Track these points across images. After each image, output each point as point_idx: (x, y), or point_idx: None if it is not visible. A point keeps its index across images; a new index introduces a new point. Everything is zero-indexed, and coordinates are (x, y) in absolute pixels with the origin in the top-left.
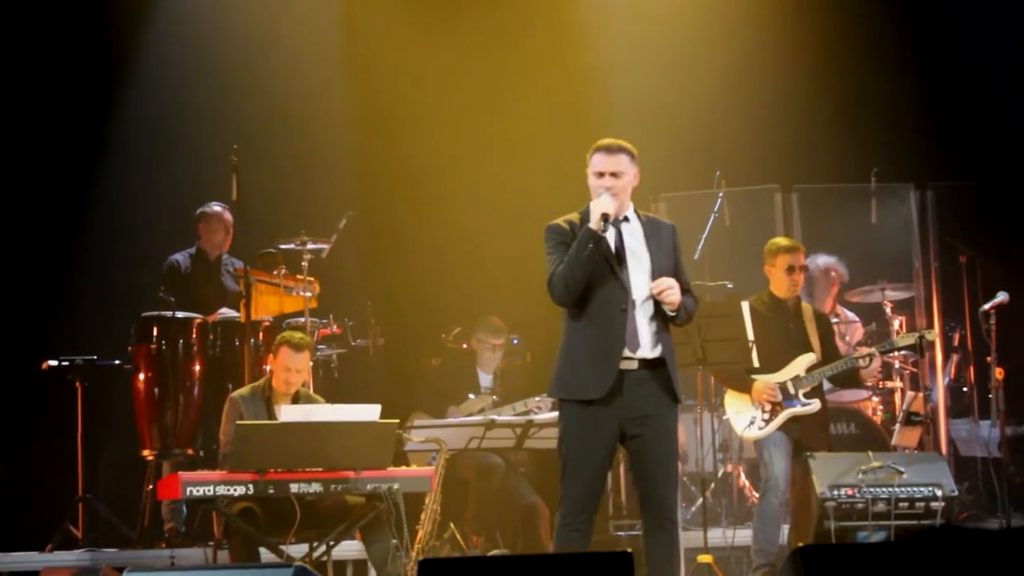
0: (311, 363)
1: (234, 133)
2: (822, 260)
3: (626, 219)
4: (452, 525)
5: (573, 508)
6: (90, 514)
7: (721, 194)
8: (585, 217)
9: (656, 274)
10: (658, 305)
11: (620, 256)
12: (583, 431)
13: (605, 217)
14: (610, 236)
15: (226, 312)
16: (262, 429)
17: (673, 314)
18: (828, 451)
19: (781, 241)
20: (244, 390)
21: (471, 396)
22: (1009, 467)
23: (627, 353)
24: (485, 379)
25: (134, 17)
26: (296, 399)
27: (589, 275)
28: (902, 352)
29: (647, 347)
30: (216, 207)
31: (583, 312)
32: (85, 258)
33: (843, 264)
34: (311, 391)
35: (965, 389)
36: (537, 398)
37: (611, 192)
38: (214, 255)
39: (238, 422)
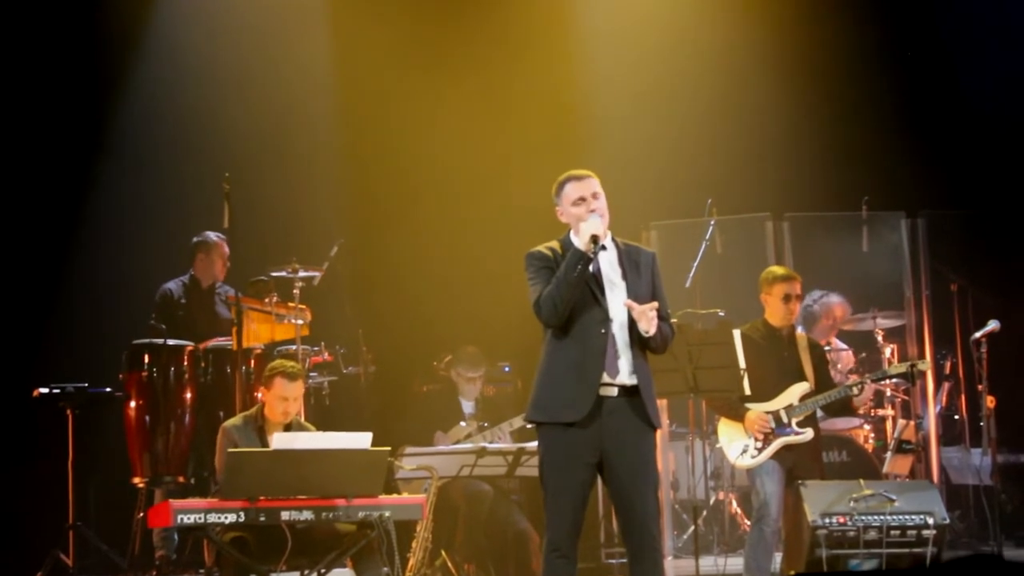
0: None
1: (225, 161)
2: (836, 299)
3: (604, 247)
4: (443, 553)
5: (558, 533)
6: (81, 542)
7: (712, 222)
8: (565, 245)
9: (633, 301)
10: (636, 332)
11: (598, 282)
12: (563, 455)
13: (595, 239)
14: None
15: (218, 341)
16: (253, 457)
17: (647, 336)
18: (821, 479)
19: (778, 270)
20: (236, 419)
21: (462, 424)
22: (1000, 495)
23: (606, 379)
24: (467, 406)
25: (123, 47)
26: (288, 428)
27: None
28: (894, 380)
29: (626, 373)
30: (215, 237)
31: (563, 335)
32: (76, 285)
33: (848, 305)
34: (302, 419)
35: (956, 417)
36: (510, 422)
37: (598, 212)
38: (207, 283)
39: (229, 450)
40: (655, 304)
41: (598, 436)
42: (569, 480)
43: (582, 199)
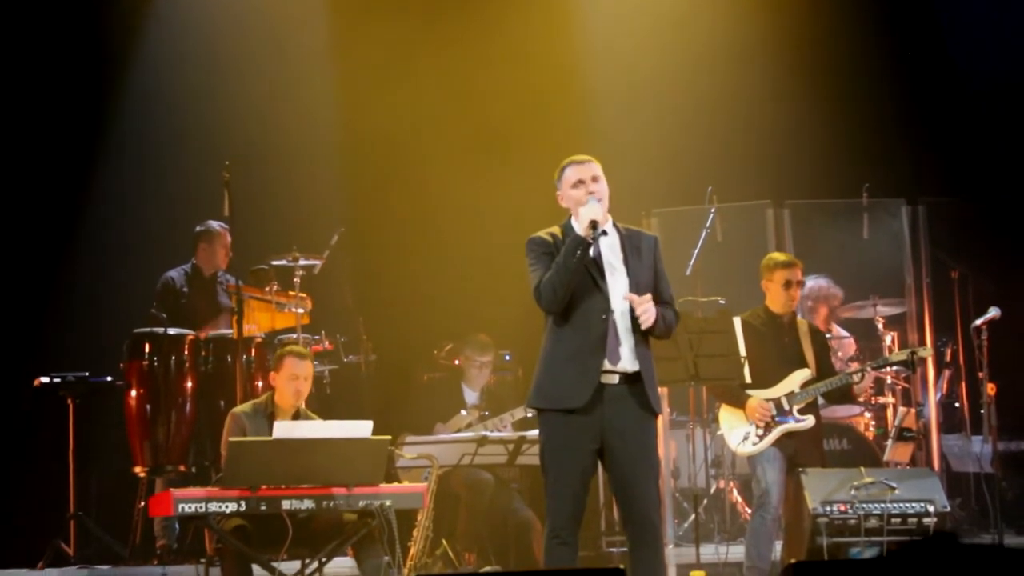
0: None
1: (226, 149)
2: (811, 282)
3: (604, 232)
4: (444, 542)
5: (559, 520)
6: (82, 531)
7: (713, 210)
8: (567, 230)
9: (635, 286)
10: (637, 318)
11: (599, 267)
12: (564, 442)
13: (594, 224)
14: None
15: (219, 330)
16: (254, 446)
17: (648, 328)
18: (822, 467)
19: (779, 256)
20: (246, 406)
21: (463, 412)
22: (1001, 482)
23: (608, 366)
24: (471, 396)
25: (124, 36)
26: (296, 417)
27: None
28: (894, 368)
29: (627, 360)
30: (217, 226)
31: (564, 321)
32: (77, 274)
33: (835, 287)
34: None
35: (957, 405)
36: (512, 412)
37: (596, 196)
38: (209, 272)
39: (230, 439)
40: (648, 296)
41: (599, 423)
42: (570, 466)
43: (581, 182)
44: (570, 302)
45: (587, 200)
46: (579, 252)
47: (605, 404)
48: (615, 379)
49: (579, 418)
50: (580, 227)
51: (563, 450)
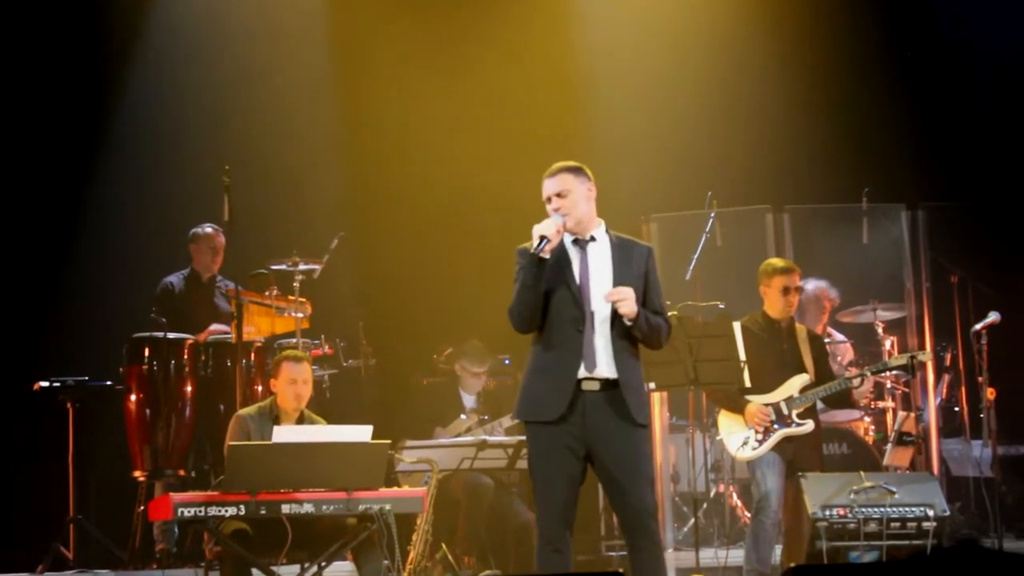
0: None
1: (226, 154)
2: (812, 285)
3: (593, 239)
4: (444, 546)
5: (549, 528)
6: (81, 535)
7: (713, 214)
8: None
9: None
10: (620, 325)
11: (583, 276)
12: (548, 451)
13: (542, 239)
14: (574, 256)
15: (217, 326)
16: (254, 450)
17: (630, 323)
18: (821, 471)
19: (777, 262)
20: (251, 409)
21: (462, 416)
22: (1001, 487)
23: (584, 373)
24: (468, 400)
25: (124, 39)
26: (300, 420)
27: (548, 296)
28: (894, 372)
29: (605, 367)
30: (207, 228)
31: (542, 333)
32: (77, 279)
33: (834, 288)
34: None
35: (957, 409)
36: (510, 416)
37: (560, 212)
38: (207, 276)
39: (230, 443)
40: (627, 292)
41: (581, 430)
42: (556, 475)
43: (548, 200)
44: (547, 312)
45: (552, 216)
46: (535, 270)
47: (587, 411)
48: (595, 386)
49: (561, 427)
50: (534, 244)
51: (548, 459)
